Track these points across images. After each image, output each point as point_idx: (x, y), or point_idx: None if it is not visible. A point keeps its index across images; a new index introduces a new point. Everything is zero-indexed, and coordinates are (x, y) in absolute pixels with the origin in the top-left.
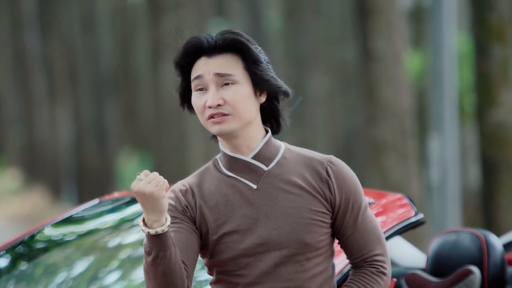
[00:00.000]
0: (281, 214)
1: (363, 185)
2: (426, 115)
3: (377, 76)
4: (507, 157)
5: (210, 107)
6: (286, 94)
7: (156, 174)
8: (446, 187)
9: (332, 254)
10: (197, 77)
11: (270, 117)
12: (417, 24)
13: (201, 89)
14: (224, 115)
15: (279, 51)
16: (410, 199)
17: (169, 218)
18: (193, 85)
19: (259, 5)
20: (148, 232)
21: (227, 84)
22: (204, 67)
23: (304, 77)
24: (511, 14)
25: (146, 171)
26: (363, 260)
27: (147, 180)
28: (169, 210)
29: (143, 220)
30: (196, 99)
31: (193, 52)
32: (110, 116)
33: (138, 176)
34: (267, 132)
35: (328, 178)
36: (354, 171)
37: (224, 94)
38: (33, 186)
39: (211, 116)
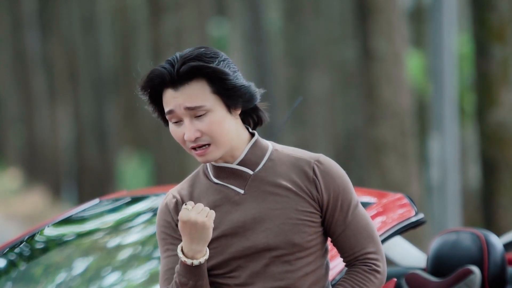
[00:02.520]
0: (268, 217)
1: (363, 185)
2: (426, 115)
3: (377, 76)
4: (507, 157)
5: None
6: (256, 99)
7: (201, 205)
8: (446, 187)
9: (325, 253)
10: (170, 112)
11: (249, 115)
12: (417, 24)
13: (176, 122)
14: (205, 145)
15: (279, 51)
16: (411, 199)
17: (207, 249)
18: (167, 117)
19: (259, 5)
20: (192, 263)
21: (200, 115)
22: (174, 101)
23: (304, 77)
24: (511, 14)
25: (191, 202)
26: (355, 258)
27: (196, 210)
28: (164, 226)
29: (182, 250)
30: (174, 131)
31: (158, 85)
32: (110, 116)
33: (184, 206)
34: (252, 135)
35: (315, 177)
36: (354, 171)
37: (200, 126)
38: (33, 186)
39: (193, 148)
